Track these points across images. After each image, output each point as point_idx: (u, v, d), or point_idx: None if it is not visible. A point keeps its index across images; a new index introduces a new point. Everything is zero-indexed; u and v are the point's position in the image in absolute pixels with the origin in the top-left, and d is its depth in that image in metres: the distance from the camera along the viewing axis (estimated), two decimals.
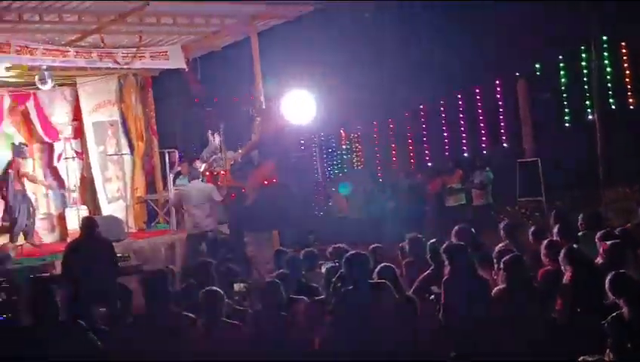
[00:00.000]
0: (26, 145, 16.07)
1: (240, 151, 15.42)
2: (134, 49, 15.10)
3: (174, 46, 15.82)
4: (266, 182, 14.55)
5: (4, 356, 6.52)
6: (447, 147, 18.07)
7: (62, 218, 16.64)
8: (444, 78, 16.98)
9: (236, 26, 15.56)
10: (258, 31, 15.44)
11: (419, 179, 16.98)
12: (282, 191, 14.48)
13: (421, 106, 18.40)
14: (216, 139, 15.79)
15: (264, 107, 15.03)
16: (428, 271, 8.81)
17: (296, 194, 15.00)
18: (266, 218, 14.40)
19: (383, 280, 7.44)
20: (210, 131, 16.05)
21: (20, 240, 15.04)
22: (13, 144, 15.86)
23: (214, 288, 7.20)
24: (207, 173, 15.34)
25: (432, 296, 8.24)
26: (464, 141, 17.72)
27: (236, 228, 14.11)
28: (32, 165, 16.77)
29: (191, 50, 16.33)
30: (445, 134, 17.98)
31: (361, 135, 19.94)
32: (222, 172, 15.18)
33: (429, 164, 18.33)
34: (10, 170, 15.26)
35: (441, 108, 18.12)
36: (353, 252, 7.66)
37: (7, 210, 15.08)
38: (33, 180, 15.93)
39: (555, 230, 9.29)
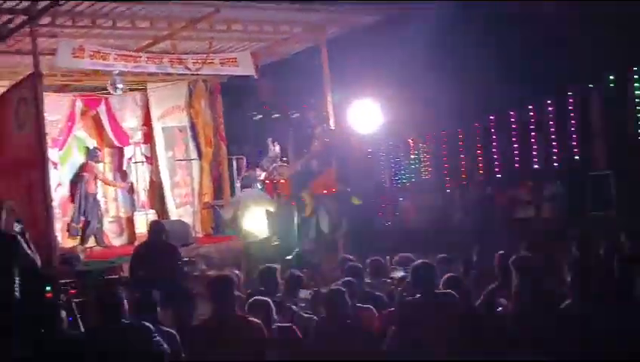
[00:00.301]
0: (99, 150, 16.28)
1: (301, 159, 15.46)
2: (204, 55, 15.24)
3: (244, 53, 15.92)
4: (325, 191, 14.54)
5: (71, 356, 6.59)
6: (517, 158, 17.80)
7: (130, 221, 16.85)
8: (516, 89, 16.73)
9: (305, 33, 15.62)
10: (328, 38, 15.46)
11: (487, 191, 16.79)
12: (342, 200, 14.42)
13: (491, 117, 18.18)
14: (276, 148, 15.82)
15: (332, 115, 15.04)
16: (495, 283, 8.67)
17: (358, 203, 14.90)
18: (326, 226, 14.42)
19: (449, 291, 7.36)
20: (270, 139, 16.10)
21: (91, 242, 15.24)
22: (87, 148, 16.07)
23: (260, 297, 7.21)
24: (267, 182, 15.36)
25: (500, 308, 8.10)
26: (534, 153, 17.43)
27: (295, 236, 14.11)
28: (102, 169, 17.05)
29: (260, 57, 16.42)
30: (515, 145, 17.71)
31: (429, 145, 19.78)
32: (281, 181, 15.20)
33: (499, 176, 18.09)
34: (84, 173, 15.48)
35: (512, 120, 17.86)
36: (420, 261, 7.58)
37: (81, 212, 15.29)
38: (111, 184, 16.10)
39: (628, 245, 9.09)
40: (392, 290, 9.05)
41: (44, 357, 6.78)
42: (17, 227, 10.14)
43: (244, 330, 6.35)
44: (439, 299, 7.15)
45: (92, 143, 16.89)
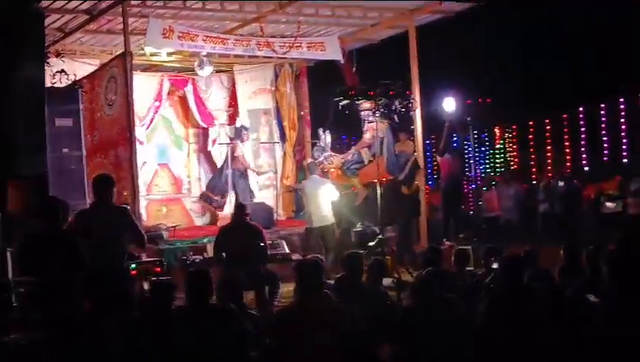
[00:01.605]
0: (245, 128, 16.40)
1: (352, 149, 15.47)
2: (292, 39, 15.23)
3: (331, 37, 15.88)
4: (375, 181, 14.46)
5: (157, 334, 6.62)
6: (605, 152, 17.44)
7: None
8: (607, 79, 16.38)
9: (395, 19, 15.48)
10: (416, 25, 15.27)
11: (574, 184, 16.46)
12: (392, 189, 14.29)
13: (580, 108, 17.82)
14: (327, 137, 15.81)
15: (418, 102, 14.90)
16: (583, 279, 8.47)
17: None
18: (377, 214, 14.39)
19: (536, 285, 7.23)
20: (321, 128, 16.13)
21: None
22: (234, 128, 16.34)
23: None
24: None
25: (588, 305, 7.90)
26: (624, 146, 17.04)
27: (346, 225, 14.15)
28: (187, 150, 17.25)
29: (348, 42, 16.34)
30: (605, 138, 17.35)
31: (516, 134, 19.51)
32: (332, 169, 15.13)
33: (586, 169, 17.75)
34: (227, 151, 15.78)
35: (602, 112, 17.49)
36: (508, 254, 7.46)
37: (221, 185, 15.71)
38: (243, 163, 16.15)
39: None
40: (476, 281, 8.91)
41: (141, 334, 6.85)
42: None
43: (331, 314, 6.29)
44: (525, 293, 6.99)
45: (178, 124, 17.13)
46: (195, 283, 6.63)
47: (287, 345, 6.27)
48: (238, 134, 16.18)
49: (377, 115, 13.08)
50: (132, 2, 13.08)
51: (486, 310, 6.94)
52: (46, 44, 13.31)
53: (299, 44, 15.29)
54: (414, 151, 15.27)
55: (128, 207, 9.47)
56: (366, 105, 13.73)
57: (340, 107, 13.60)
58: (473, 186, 18.18)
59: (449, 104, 15.04)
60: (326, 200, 13.33)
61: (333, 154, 15.53)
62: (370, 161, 14.75)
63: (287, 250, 12.15)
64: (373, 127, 14.52)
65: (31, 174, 6.51)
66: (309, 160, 15.48)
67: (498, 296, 7.05)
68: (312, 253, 10.82)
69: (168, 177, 17.14)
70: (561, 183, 16.65)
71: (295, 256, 11.86)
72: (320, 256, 8.88)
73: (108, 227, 8.32)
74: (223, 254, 10.53)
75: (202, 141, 17.52)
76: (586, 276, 8.53)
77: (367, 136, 14.86)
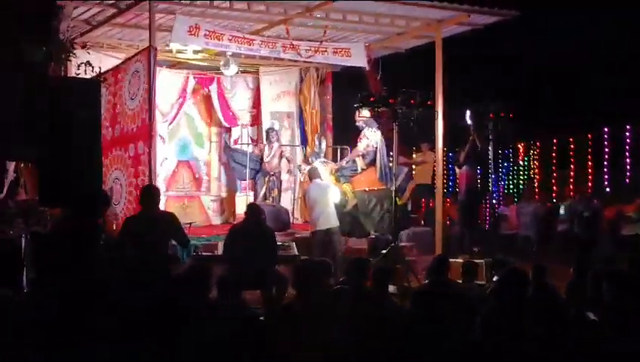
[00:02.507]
0: (273, 130, 16.42)
1: (347, 157, 15.54)
2: (317, 43, 15.25)
3: (357, 44, 15.88)
4: (367, 189, 14.49)
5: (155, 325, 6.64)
6: (628, 173, 17.33)
7: (232, 201, 17.01)
8: (634, 101, 16.25)
9: (422, 29, 15.45)
10: (444, 36, 15.20)
11: (594, 204, 16.34)
12: (383, 198, 14.44)
13: (605, 129, 17.71)
14: (322, 143, 15.82)
15: (440, 114, 14.83)
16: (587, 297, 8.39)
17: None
18: (365, 224, 14.60)
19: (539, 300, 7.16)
20: (317, 134, 16.12)
21: None
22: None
23: None
24: None
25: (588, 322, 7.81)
26: None
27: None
28: (208, 148, 17.27)
29: (373, 49, 16.32)
30: (628, 160, 17.23)
31: (540, 152, 19.41)
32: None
33: (607, 190, 17.64)
34: None
35: (627, 133, 17.38)
36: (511, 268, 7.38)
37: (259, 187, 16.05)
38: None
39: None
40: (481, 293, 8.86)
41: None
42: None
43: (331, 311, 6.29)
44: (525, 308, 6.91)
45: (201, 122, 17.15)
46: (194, 277, 6.68)
47: (289, 340, 6.29)
48: (267, 137, 16.23)
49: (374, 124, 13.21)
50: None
51: (481, 321, 6.89)
52: (73, 36, 13.57)
53: (324, 49, 15.31)
54: (434, 162, 15.30)
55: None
56: (363, 113, 14.02)
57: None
58: (493, 201, 18.07)
59: (471, 117, 14.95)
60: (332, 202, 13.43)
61: (326, 160, 15.60)
62: (363, 170, 14.82)
63: (297, 253, 12.16)
64: (368, 136, 14.66)
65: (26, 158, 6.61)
66: (307, 166, 15.49)
67: (494, 308, 6.99)
68: (318, 257, 10.81)
69: (188, 174, 17.17)
70: (581, 203, 16.56)
71: (304, 258, 11.85)
72: (329, 260, 8.84)
73: (160, 237, 9.19)
74: (233, 253, 10.57)
75: (224, 141, 17.53)
76: (590, 294, 8.46)
77: (361, 144, 14.90)
